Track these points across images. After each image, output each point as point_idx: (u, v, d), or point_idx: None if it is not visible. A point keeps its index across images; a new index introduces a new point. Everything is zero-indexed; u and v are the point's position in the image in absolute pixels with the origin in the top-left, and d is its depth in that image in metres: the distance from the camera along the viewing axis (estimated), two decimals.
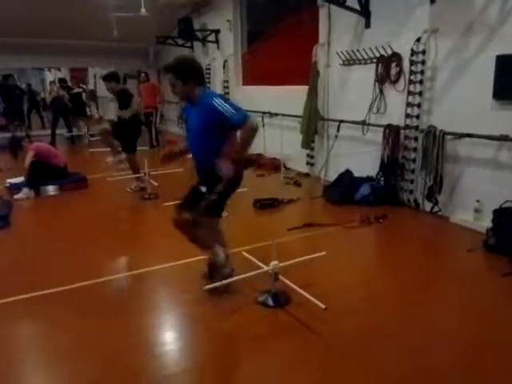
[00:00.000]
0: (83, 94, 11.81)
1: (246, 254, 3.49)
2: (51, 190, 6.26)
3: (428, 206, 4.91)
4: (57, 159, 6.43)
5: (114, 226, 4.98)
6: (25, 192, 5.96)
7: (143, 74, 10.54)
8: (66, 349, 2.66)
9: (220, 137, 2.90)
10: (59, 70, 18.30)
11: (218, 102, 2.80)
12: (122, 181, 6.34)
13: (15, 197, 5.89)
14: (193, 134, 3.07)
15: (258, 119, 8.07)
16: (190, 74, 2.89)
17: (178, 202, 3.13)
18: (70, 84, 12.64)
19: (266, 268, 3.09)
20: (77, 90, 11.69)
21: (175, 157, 3.30)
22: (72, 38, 11.09)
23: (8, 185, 6.28)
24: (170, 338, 2.85)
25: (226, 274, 3.20)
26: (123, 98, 6.06)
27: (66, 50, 11.75)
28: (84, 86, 12.22)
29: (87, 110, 12.32)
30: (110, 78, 5.99)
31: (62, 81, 14.05)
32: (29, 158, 6.10)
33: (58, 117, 11.21)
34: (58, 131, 11.28)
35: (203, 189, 2.98)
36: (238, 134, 2.92)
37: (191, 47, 10.84)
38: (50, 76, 20.06)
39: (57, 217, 5.38)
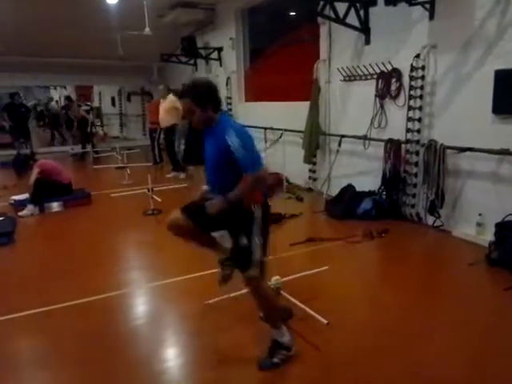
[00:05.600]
0: (90, 113, 12.00)
1: None
2: (55, 206, 6.30)
3: (430, 220, 4.91)
4: (61, 176, 6.49)
5: (116, 242, 5.00)
6: (29, 209, 6.01)
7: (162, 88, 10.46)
8: (68, 365, 2.66)
9: (236, 169, 2.44)
10: (65, 87, 18.57)
11: (232, 137, 2.40)
12: (125, 196, 6.39)
13: (20, 213, 5.93)
14: (208, 164, 2.68)
15: (261, 135, 8.16)
16: (208, 99, 2.54)
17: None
18: (76, 101, 12.89)
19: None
20: (84, 107, 11.87)
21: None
22: (77, 57, 11.29)
23: (13, 202, 6.33)
24: (170, 355, 2.84)
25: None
26: None
27: (71, 69, 11.96)
28: (91, 104, 12.40)
29: (93, 127, 12.49)
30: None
31: (68, 99, 14.32)
32: (34, 175, 6.16)
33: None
34: (63, 148, 11.44)
35: (244, 241, 2.50)
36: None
37: (194, 64, 11.00)
38: (55, 94, 20.36)
39: (61, 233, 5.41)
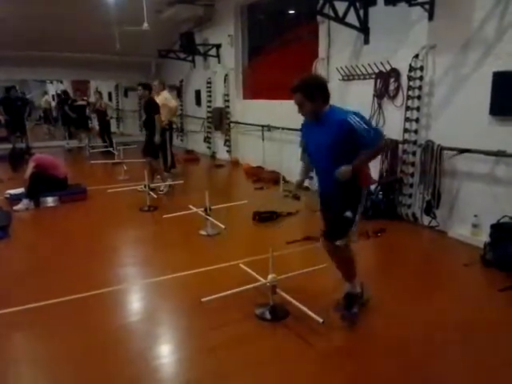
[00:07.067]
0: (87, 108, 11.92)
1: (243, 267, 3.49)
2: (51, 201, 6.26)
3: (426, 220, 4.93)
4: (57, 170, 6.46)
5: (112, 238, 4.99)
6: (24, 203, 5.97)
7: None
8: (61, 362, 2.65)
9: (352, 153, 2.76)
10: (61, 82, 18.45)
11: (353, 119, 2.69)
12: (121, 192, 6.37)
13: (15, 208, 5.89)
14: (320, 152, 2.91)
15: (258, 133, 8.15)
16: (318, 92, 2.80)
17: (323, 230, 3.09)
18: (72, 96, 12.85)
19: (263, 281, 3.10)
20: (80, 102, 11.82)
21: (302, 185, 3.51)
22: (74, 51, 11.22)
23: (8, 196, 6.29)
24: (165, 351, 2.84)
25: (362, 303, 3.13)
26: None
27: (68, 63, 11.87)
28: (87, 99, 12.34)
29: (89, 122, 12.42)
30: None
31: (64, 93, 14.24)
32: (29, 169, 6.12)
33: (103, 128, 11.77)
34: (59, 143, 11.35)
35: (349, 213, 2.83)
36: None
37: (193, 61, 10.96)
38: (51, 88, 20.23)
39: (56, 228, 5.38)
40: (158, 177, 7.07)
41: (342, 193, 2.85)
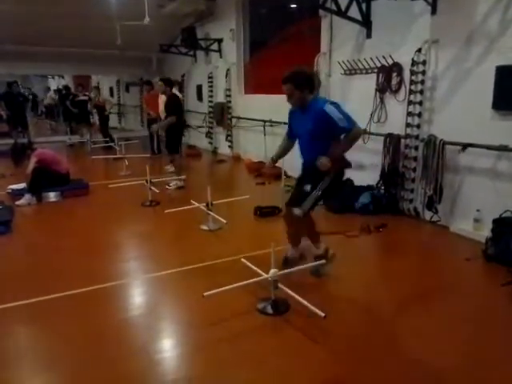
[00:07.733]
0: (88, 103, 11.90)
1: (245, 261, 3.49)
2: (53, 196, 6.28)
3: (428, 215, 4.92)
4: (59, 166, 6.46)
5: (114, 233, 5.00)
6: (27, 198, 5.98)
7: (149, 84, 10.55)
8: (64, 356, 2.67)
9: (327, 139, 3.18)
10: (62, 77, 18.44)
11: (329, 107, 3.09)
12: (123, 187, 6.37)
13: (17, 203, 5.90)
14: (302, 137, 3.38)
15: (259, 128, 8.13)
16: (305, 83, 3.19)
17: (287, 201, 3.60)
18: (73, 91, 12.84)
19: (265, 275, 3.10)
20: (82, 97, 11.80)
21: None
22: (76, 46, 11.19)
23: (10, 191, 6.31)
24: (167, 345, 2.85)
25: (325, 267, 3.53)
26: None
27: (69, 58, 11.85)
28: (89, 94, 12.31)
29: (90, 117, 12.41)
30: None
31: (66, 88, 14.22)
32: (31, 164, 6.13)
33: (102, 123, 11.79)
34: (61, 138, 11.33)
35: (307, 188, 3.27)
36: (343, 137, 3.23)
37: (194, 56, 10.93)
38: (53, 83, 20.23)
39: (58, 223, 5.39)
40: (170, 166, 7.08)
41: (312, 172, 3.26)
